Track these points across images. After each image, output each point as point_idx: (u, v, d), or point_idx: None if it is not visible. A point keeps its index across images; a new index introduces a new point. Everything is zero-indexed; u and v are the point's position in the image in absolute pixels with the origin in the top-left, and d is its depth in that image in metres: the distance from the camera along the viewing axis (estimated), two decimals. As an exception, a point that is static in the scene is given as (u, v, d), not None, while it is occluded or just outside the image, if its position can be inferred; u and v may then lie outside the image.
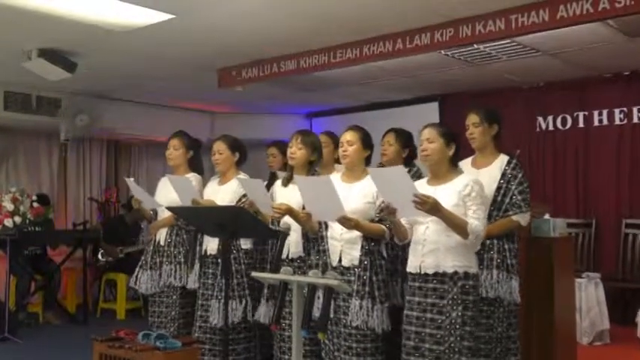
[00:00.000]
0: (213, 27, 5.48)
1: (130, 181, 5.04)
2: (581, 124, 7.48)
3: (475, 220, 3.40)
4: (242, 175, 4.68)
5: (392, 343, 4.03)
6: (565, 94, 7.54)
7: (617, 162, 7.22)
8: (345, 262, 3.85)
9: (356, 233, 3.80)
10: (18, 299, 7.13)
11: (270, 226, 4.29)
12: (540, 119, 7.75)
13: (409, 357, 3.50)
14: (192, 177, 4.93)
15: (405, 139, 4.58)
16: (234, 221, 3.78)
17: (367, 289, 3.75)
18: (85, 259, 7.62)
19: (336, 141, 4.70)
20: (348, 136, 3.96)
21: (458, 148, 3.61)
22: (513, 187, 3.91)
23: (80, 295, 7.84)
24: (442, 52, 6.13)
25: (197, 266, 4.74)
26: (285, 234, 4.13)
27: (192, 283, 4.79)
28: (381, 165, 4.57)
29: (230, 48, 6.13)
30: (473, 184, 3.47)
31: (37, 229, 6.99)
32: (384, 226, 3.78)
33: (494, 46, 5.99)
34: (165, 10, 5.04)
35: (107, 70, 6.95)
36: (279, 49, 6.19)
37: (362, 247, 3.81)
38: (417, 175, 4.42)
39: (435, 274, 3.45)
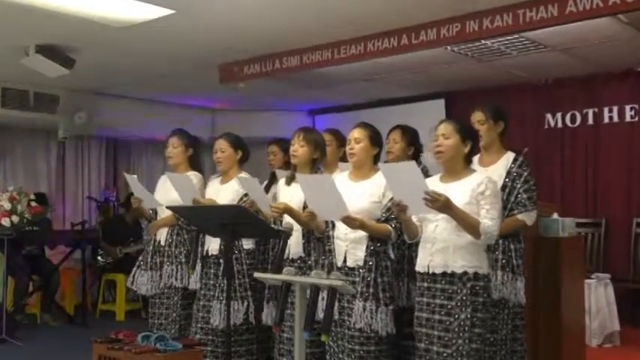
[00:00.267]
0: (214, 22, 5.48)
1: (132, 178, 5.02)
2: (590, 122, 7.46)
3: (488, 220, 3.36)
4: (243, 174, 4.68)
5: (398, 347, 4.03)
6: (574, 90, 7.52)
7: (628, 160, 7.20)
8: (350, 263, 3.84)
9: (361, 233, 3.80)
10: (16, 300, 7.14)
11: (273, 225, 4.29)
12: (549, 116, 7.73)
13: (421, 359, 3.49)
14: (193, 175, 4.94)
15: (411, 136, 4.56)
16: (236, 221, 3.79)
17: (371, 290, 3.74)
18: (84, 259, 7.63)
19: (339, 139, 4.71)
20: (356, 134, 3.95)
21: (474, 145, 3.58)
22: (518, 185, 3.92)
23: (79, 296, 7.86)
24: (448, 47, 6.13)
25: (199, 267, 4.75)
26: (287, 234, 4.13)
27: (193, 283, 4.80)
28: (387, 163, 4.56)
29: (231, 44, 6.13)
30: (487, 183, 3.43)
31: (34, 228, 7.00)
32: (390, 227, 3.77)
33: (502, 41, 5.99)
34: (165, 5, 5.05)
35: (106, 66, 6.96)
36: (281, 44, 6.19)
37: (367, 247, 3.80)
38: (424, 173, 4.41)
39: (444, 274, 3.43)
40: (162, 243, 4.99)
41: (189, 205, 4.55)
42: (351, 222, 3.71)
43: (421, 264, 3.53)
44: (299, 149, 4.25)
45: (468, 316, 3.36)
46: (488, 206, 3.39)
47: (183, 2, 5.00)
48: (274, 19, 5.41)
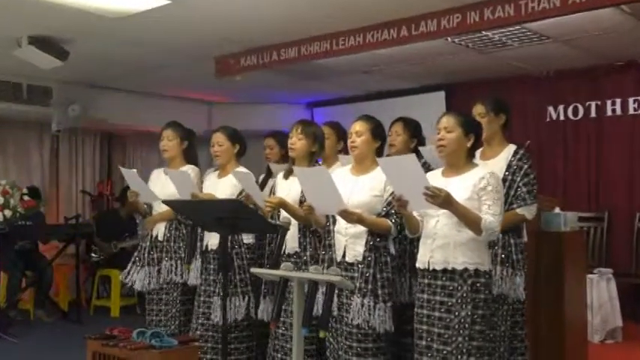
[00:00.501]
0: (211, 13, 5.47)
1: (131, 172, 4.97)
2: (593, 114, 7.46)
3: (490, 215, 3.34)
4: (241, 168, 4.68)
5: (398, 344, 4.02)
6: (577, 82, 7.52)
7: (631, 153, 7.20)
8: (349, 258, 3.84)
9: (361, 228, 3.79)
10: (8, 296, 7.15)
11: (270, 220, 4.29)
12: (551, 109, 7.74)
13: (422, 357, 3.48)
14: (190, 169, 4.93)
15: (414, 128, 4.52)
16: (234, 215, 3.78)
17: (370, 286, 3.73)
18: (78, 254, 7.63)
19: (339, 132, 4.70)
20: (358, 127, 3.93)
21: (477, 139, 3.55)
22: (518, 178, 3.92)
23: (73, 292, 7.85)
24: (449, 39, 6.12)
25: (198, 262, 4.74)
26: (285, 228, 4.14)
27: (193, 279, 4.79)
28: (389, 156, 4.54)
29: (228, 35, 6.12)
30: (489, 178, 3.40)
31: (27, 223, 7.00)
32: (390, 222, 3.76)
33: (503, 32, 5.98)
34: (160, -5, 5.05)
35: (100, 58, 6.95)
36: (279, 36, 6.18)
37: (367, 242, 3.79)
38: (426, 167, 4.40)
39: (444, 270, 3.42)
40: (160, 238, 4.97)
41: (186, 199, 4.54)
42: (348, 216, 3.70)
43: (421, 260, 3.52)
44: (297, 142, 4.25)
45: (469, 313, 3.35)
46: (490, 202, 3.37)
47: (178, -8, 4.99)
48: (272, 9, 5.40)
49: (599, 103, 7.42)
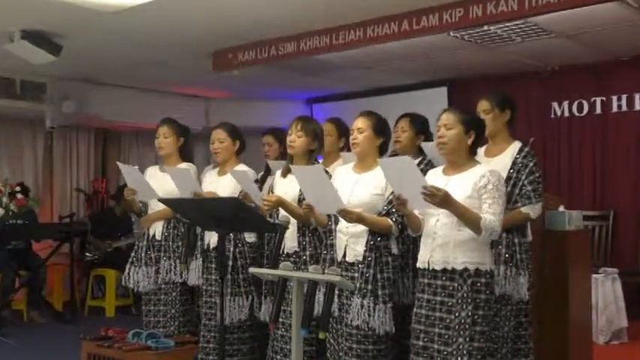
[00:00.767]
0: (208, 6, 5.46)
1: (133, 169, 4.93)
2: (598, 110, 7.46)
3: (490, 215, 3.32)
4: (241, 166, 4.67)
5: (401, 346, 4.01)
6: (582, 78, 7.52)
7: (637, 150, 7.21)
8: (349, 258, 3.84)
9: (362, 227, 3.79)
10: (1, 296, 7.14)
11: (269, 218, 4.29)
12: (555, 105, 7.74)
13: (418, 357, 3.48)
14: (189, 167, 4.92)
15: (420, 124, 4.49)
16: (232, 214, 3.77)
17: (370, 287, 3.73)
18: (72, 253, 7.63)
19: (341, 129, 4.69)
20: (359, 123, 3.93)
21: (479, 135, 3.54)
22: (523, 177, 3.91)
23: (67, 292, 7.86)
24: (451, 33, 6.11)
25: (199, 261, 4.73)
26: (284, 227, 4.13)
27: (194, 279, 4.78)
28: (394, 153, 4.54)
29: (226, 29, 6.11)
30: (489, 176, 3.39)
31: (19, 222, 6.99)
32: (390, 221, 3.76)
33: (507, 27, 5.98)
34: (156, -11, 5.04)
35: (95, 53, 6.94)
36: (277, 30, 6.17)
37: (367, 242, 3.79)
38: (431, 165, 4.38)
39: (444, 270, 3.41)
40: (158, 237, 4.95)
41: (183, 198, 4.53)
42: (347, 215, 3.70)
43: (421, 260, 3.52)
44: (296, 139, 4.23)
45: (469, 313, 3.34)
46: (490, 200, 3.35)
47: (175, -14, 4.98)
48: (270, 2, 5.39)
49: (604, 99, 7.41)
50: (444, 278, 3.42)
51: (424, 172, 3.68)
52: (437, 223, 3.45)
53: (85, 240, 8.23)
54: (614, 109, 7.35)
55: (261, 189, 4.64)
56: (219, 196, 4.55)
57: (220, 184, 4.70)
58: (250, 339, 4.58)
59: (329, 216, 3.96)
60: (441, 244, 3.42)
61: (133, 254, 5.07)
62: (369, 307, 3.70)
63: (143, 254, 4.98)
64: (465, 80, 8.04)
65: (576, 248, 4.64)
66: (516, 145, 4.02)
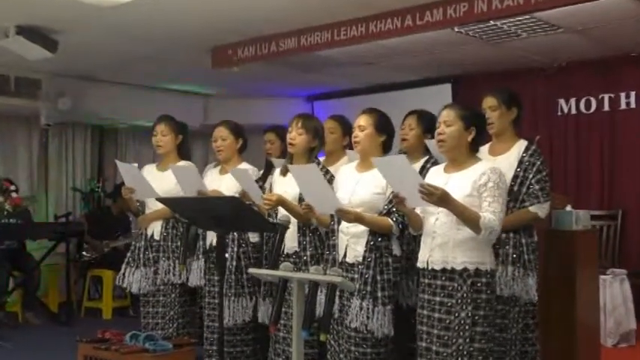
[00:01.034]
0: (207, 2, 5.45)
1: (132, 167, 4.92)
2: (606, 108, 7.44)
3: (490, 213, 3.31)
4: (244, 164, 4.67)
5: (405, 349, 4.00)
6: (589, 74, 7.50)
7: (646, 149, 7.20)
8: (350, 258, 3.84)
9: (362, 227, 3.79)
10: (-5, 298, 7.15)
11: (268, 218, 4.28)
12: (562, 102, 7.72)
13: (422, 359, 3.48)
14: (192, 165, 4.91)
15: (428, 122, 4.42)
16: (234, 214, 3.77)
17: (369, 288, 3.73)
18: (69, 254, 7.62)
19: (345, 126, 4.68)
20: (361, 121, 3.93)
21: (479, 132, 3.53)
22: (530, 175, 3.90)
23: (63, 293, 7.85)
24: (455, 29, 6.11)
25: (201, 261, 4.72)
26: (284, 227, 4.13)
27: (196, 279, 4.77)
28: (402, 151, 4.52)
29: (225, 25, 6.11)
30: (490, 174, 3.38)
31: (11, 221, 6.98)
32: (390, 220, 3.75)
33: (513, 22, 5.96)
34: (153, -17, 5.04)
35: (91, 49, 6.94)
36: (278, 25, 6.17)
37: (367, 242, 3.79)
38: (437, 163, 4.36)
39: (444, 270, 3.41)
40: (157, 237, 4.94)
41: (181, 197, 4.53)
42: (345, 215, 3.70)
43: (421, 259, 3.52)
44: (297, 137, 4.24)
45: (469, 314, 3.34)
46: (490, 199, 3.34)
47: (173, -20, 4.98)
48: (270, -2, 5.39)
49: (612, 95, 7.39)
50: (443, 278, 3.42)
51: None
52: (436, 222, 3.46)
53: (81, 240, 8.22)
54: (623, 105, 7.33)
55: (262, 187, 4.63)
56: (222, 195, 4.54)
57: (223, 182, 4.70)
58: (253, 341, 4.58)
59: (332, 216, 3.95)
60: (440, 244, 3.43)
61: (129, 254, 5.07)
62: (367, 309, 3.70)
63: (141, 255, 4.97)
64: (469, 77, 8.02)
65: (584, 249, 4.63)
66: (522, 144, 4.01)
